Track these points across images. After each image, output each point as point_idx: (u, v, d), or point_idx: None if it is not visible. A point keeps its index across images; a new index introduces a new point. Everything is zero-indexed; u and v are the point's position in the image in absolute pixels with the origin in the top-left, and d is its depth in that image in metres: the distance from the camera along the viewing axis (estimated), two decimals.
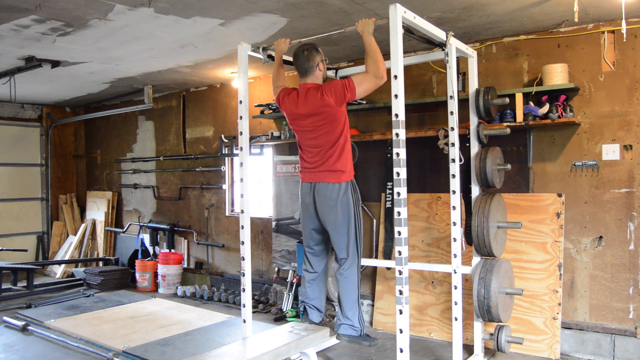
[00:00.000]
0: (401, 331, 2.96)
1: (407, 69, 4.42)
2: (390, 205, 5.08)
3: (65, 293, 6.67)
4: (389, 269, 4.99)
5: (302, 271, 3.85)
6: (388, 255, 5.04)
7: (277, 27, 4.21)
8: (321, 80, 3.55)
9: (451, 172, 3.84)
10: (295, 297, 5.47)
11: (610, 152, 4.10)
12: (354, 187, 3.54)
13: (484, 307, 3.72)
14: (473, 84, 4.12)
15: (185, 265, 7.07)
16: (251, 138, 5.92)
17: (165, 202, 7.46)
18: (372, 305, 5.13)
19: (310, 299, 3.79)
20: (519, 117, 4.20)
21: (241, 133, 3.60)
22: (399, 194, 2.95)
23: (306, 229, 3.74)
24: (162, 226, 7.18)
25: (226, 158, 6.65)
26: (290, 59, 4.06)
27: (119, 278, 7.03)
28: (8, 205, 8.06)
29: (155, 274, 6.82)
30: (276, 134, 5.80)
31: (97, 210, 8.25)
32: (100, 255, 7.94)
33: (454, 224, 3.85)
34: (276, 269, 5.91)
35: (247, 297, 3.63)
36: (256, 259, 6.22)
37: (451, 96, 3.80)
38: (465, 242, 3.98)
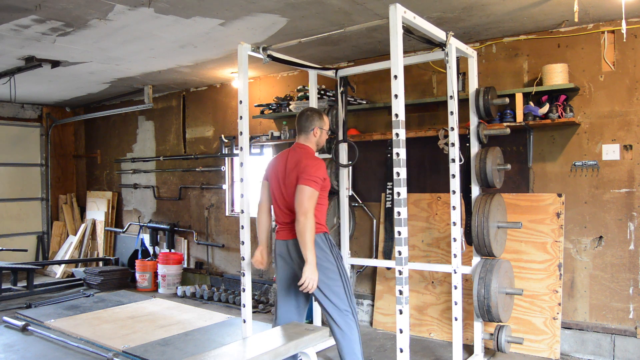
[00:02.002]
0: (401, 331, 2.96)
1: (407, 69, 4.42)
2: (390, 205, 5.08)
3: (65, 293, 6.67)
4: (389, 269, 4.99)
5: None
6: (388, 255, 5.04)
7: (277, 27, 4.21)
8: (314, 145, 3.42)
9: (451, 172, 3.84)
10: None
11: (610, 152, 4.09)
12: (328, 240, 3.32)
13: (484, 307, 3.72)
14: (473, 84, 4.12)
15: (185, 265, 7.07)
16: (251, 138, 5.92)
17: (165, 202, 7.46)
18: (372, 305, 5.13)
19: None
20: (519, 117, 4.20)
21: (241, 133, 3.60)
22: (399, 194, 2.95)
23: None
24: (162, 226, 7.18)
25: (226, 158, 6.65)
26: (287, 57, 4.08)
27: (119, 278, 7.03)
28: (8, 205, 8.06)
29: (155, 274, 6.82)
30: (276, 134, 5.80)
31: (97, 210, 8.25)
32: (100, 255, 7.94)
33: (454, 224, 3.85)
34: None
35: (247, 297, 3.63)
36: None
37: (451, 96, 3.80)
38: (465, 242, 3.98)
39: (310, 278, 3.08)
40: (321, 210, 3.31)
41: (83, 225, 8.26)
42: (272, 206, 3.47)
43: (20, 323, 5.00)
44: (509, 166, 4.06)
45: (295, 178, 3.22)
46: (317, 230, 3.22)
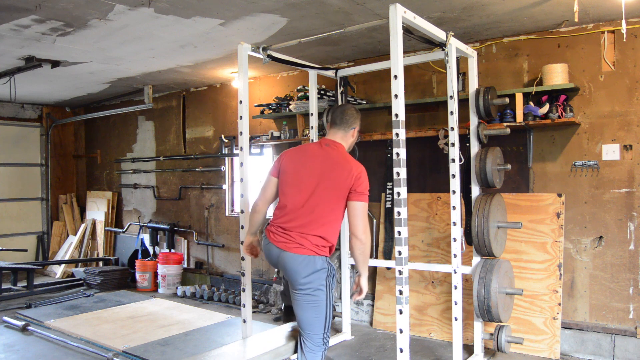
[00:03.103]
0: (401, 331, 2.96)
1: (407, 69, 4.42)
2: (390, 205, 5.08)
3: (65, 293, 6.67)
4: (389, 269, 4.99)
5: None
6: (388, 255, 5.04)
7: (277, 27, 4.21)
8: (348, 145, 3.18)
9: (451, 172, 3.84)
10: None
11: (610, 152, 4.09)
12: (330, 266, 3.04)
13: (484, 307, 3.72)
14: (473, 84, 4.12)
15: (185, 265, 7.06)
16: (251, 138, 5.92)
17: (165, 202, 7.46)
18: (372, 305, 5.13)
19: None
20: (519, 117, 4.20)
21: (241, 133, 3.60)
22: (399, 194, 2.95)
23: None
24: (162, 226, 7.18)
25: (226, 158, 6.65)
26: (287, 57, 4.07)
27: (119, 278, 7.03)
28: (8, 205, 8.06)
29: (155, 274, 6.82)
30: (276, 134, 5.80)
31: (97, 210, 8.24)
32: (100, 255, 7.94)
33: (454, 224, 3.85)
34: (276, 269, 5.90)
35: (247, 297, 3.63)
36: (256, 259, 6.22)
37: (451, 96, 3.80)
38: (465, 242, 3.98)
39: (365, 289, 3.08)
40: (338, 229, 3.07)
41: (83, 225, 8.26)
42: (273, 205, 3.20)
43: (20, 323, 5.00)
44: (509, 166, 4.06)
45: (341, 183, 2.92)
46: (330, 252, 3.05)
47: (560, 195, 4.28)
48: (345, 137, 3.15)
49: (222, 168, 6.66)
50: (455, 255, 3.84)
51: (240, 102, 3.62)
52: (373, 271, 5.19)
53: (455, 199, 3.83)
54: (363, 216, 2.94)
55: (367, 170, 3.09)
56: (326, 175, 2.97)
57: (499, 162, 4.05)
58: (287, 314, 3.74)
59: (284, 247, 2.97)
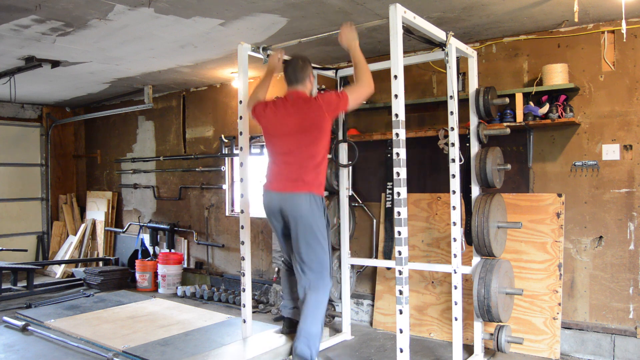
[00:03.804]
0: (401, 331, 2.97)
1: (407, 69, 4.42)
2: (390, 205, 5.08)
3: (65, 293, 6.67)
4: (389, 269, 4.99)
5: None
6: (388, 255, 5.04)
7: (277, 27, 4.21)
8: (309, 93, 3.51)
9: (451, 172, 3.84)
10: None
11: (610, 152, 4.10)
12: (324, 205, 3.48)
13: (484, 307, 3.72)
14: (473, 84, 4.12)
15: (185, 265, 7.06)
16: (251, 138, 5.92)
17: (165, 202, 7.47)
18: (372, 305, 5.13)
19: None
20: (519, 117, 4.20)
21: (241, 133, 3.60)
22: (399, 194, 2.95)
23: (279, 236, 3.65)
24: (162, 226, 7.18)
25: (226, 158, 6.65)
26: (287, 57, 4.06)
27: (119, 278, 7.03)
28: (8, 205, 8.06)
29: (155, 274, 6.82)
30: None
31: (97, 210, 8.25)
32: (100, 255, 7.94)
33: (454, 224, 3.85)
34: (276, 269, 5.91)
35: (247, 297, 3.63)
36: (256, 259, 6.22)
37: (451, 96, 3.80)
38: (465, 242, 3.98)
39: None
40: (324, 172, 3.48)
41: (83, 225, 8.26)
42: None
43: (20, 323, 5.00)
44: (509, 166, 4.06)
45: (314, 118, 3.32)
46: (320, 191, 3.41)
47: (560, 195, 4.29)
48: (304, 88, 3.50)
49: (222, 168, 6.67)
50: (455, 255, 3.85)
51: (240, 102, 3.63)
52: (373, 271, 5.19)
53: (455, 199, 3.83)
54: (355, 86, 3.35)
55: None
56: (299, 121, 3.35)
57: (499, 162, 4.06)
58: (289, 326, 3.79)
59: (282, 189, 3.38)
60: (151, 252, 7.26)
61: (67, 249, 8.16)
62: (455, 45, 3.78)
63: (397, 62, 2.94)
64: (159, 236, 7.34)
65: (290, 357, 3.51)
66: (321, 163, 3.41)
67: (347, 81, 4.74)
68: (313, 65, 4.53)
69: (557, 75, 4.13)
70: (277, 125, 3.44)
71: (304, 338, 3.35)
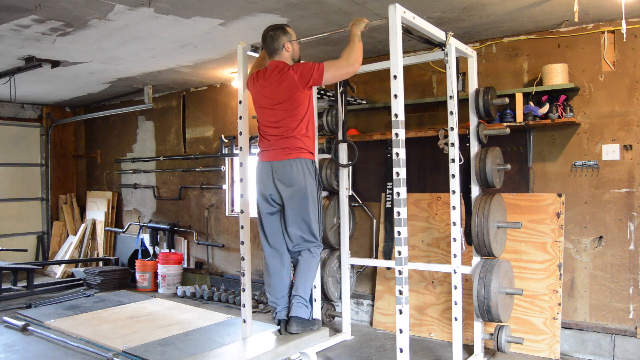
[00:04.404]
0: (401, 331, 2.97)
1: (407, 69, 4.42)
2: (390, 205, 5.08)
3: (65, 293, 6.67)
4: (389, 269, 4.99)
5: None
6: (388, 255, 5.04)
7: None
8: (290, 61, 3.45)
9: (451, 172, 3.84)
10: None
11: (610, 152, 4.09)
12: (315, 167, 3.48)
13: (484, 307, 3.72)
14: (473, 84, 4.12)
15: (185, 265, 7.07)
16: (251, 138, 5.92)
17: (165, 202, 7.47)
18: (372, 305, 5.13)
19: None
20: (519, 117, 4.20)
21: (241, 133, 3.60)
22: (398, 194, 2.95)
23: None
24: (162, 226, 7.18)
25: (226, 158, 6.65)
26: None
27: (119, 278, 7.03)
28: (8, 205, 8.06)
29: (155, 274, 6.82)
30: None
31: (97, 210, 8.25)
32: (100, 255, 7.94)
33: (454, 224, 3.85)
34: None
35: (247, 297, 3.63)
36: (256, 259, 6.22)
37: (451, 96, 3.80)
38: (465, 242, 3.98)
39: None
40: (312, 138, 3.46)
41: (83, 225, 8.26)
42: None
43: (20, 323, 5.00)
44: (508, 166, 4.06)
45: (292, 88, 3.30)
46: (309, 156, 3.40)
47: (560, 195, 4.28)
48: (281, 57, 3.44)
49: (222, 168, 6.67)
50: (455, 255, 3.84)
51: (240, 102, 3.62)
52: (373, 271, 5.19)
53: (455, 199, 3.83)
54: (336, 60, 3.28)
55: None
56: (274, 93, 3.38)
57: (499, 162, 4.06)
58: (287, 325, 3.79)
59: (272, 158, 3.39)
60: (151, 252, 7.26)
61: (67, 249, 8.16)
62: (455, 45, 3.77)
63: (397, 62, 2.94)
64: (159, 236, 7.34)
65: (281, 330, 3.59)
66: (305, 133, 3.39)
67: (347, 81, 4.74)
68: None
69: (557, 75, 4.13)
70: (259, 97, 3.48)
71: (299, 303, 3.49)
